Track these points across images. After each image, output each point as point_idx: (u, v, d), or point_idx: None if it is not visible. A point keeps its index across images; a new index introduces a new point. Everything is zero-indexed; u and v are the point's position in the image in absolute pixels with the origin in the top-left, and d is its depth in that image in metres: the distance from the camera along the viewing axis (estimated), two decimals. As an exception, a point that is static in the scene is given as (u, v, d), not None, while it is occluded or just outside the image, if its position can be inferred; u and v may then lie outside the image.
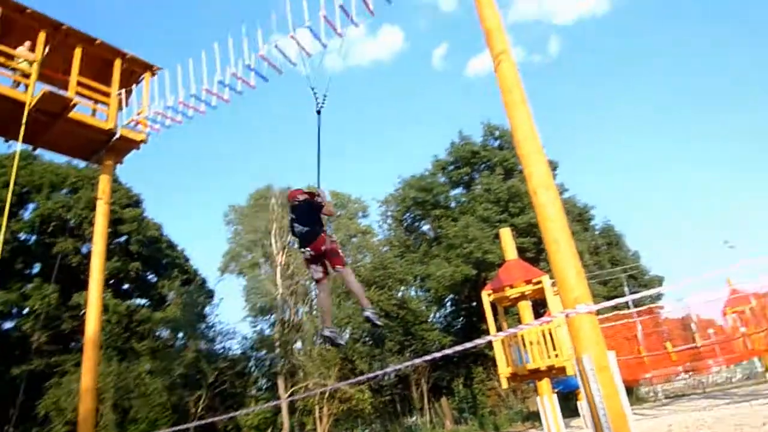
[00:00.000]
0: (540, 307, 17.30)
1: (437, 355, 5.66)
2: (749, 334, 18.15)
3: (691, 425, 13.57)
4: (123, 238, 25.41)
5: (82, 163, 21.57)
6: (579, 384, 5.25)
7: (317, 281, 5.74)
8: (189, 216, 69.13)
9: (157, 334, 24.88)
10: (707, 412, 16.45)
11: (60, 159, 24.48)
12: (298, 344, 27.81)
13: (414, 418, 28.77)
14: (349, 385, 23.71)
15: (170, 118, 9.30)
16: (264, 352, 28.06)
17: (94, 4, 73.32)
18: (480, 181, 32.75)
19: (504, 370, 12.59)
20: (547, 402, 13.51)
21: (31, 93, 9.22)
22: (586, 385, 4.47)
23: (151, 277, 27.65)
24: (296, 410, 25.69)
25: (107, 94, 10.36)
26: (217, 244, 70.64)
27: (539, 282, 12.96)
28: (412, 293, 32.95)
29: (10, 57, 9.38)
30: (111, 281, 23.52)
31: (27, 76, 9.39)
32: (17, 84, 9.39)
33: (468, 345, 5.36)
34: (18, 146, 9.55)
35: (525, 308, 14.50)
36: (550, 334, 12.01)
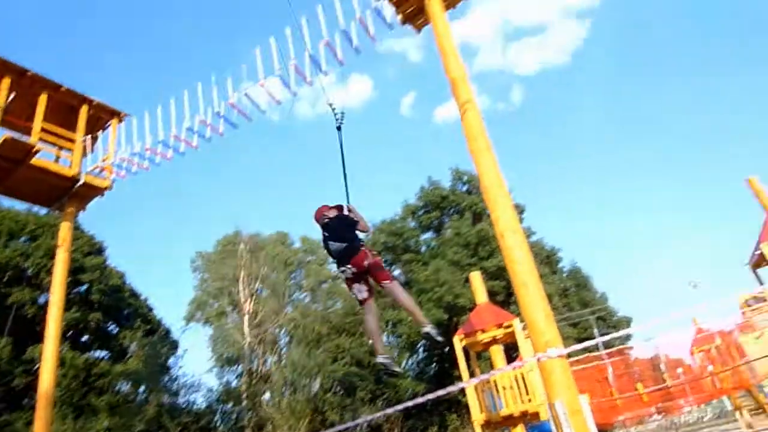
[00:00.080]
0: (512, 351, 17.25)
1: (410, 403, 5.52)
2: (716, 373, 18.39)
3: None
4: (84, 287, 24.51)
5: (43, 210, 20.97)
6: (553, 429, 5.19)
7: (362, 302, 5.21)
8: (154, 263, 67.32)
9: (117, 388, 23.72)
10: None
11: (21, 206, 23.83)
12: (267, 395, 26.90)
13: (388, 470, 27.80)
14: (319, 437, 22.90)
15: (137, 164, 9.20)
16: (230, 404, 27.05)
17: (65, 53, 73.13)
18: (450, 225, 33.15)
19: (477, 416, 12.38)
20: (523, 449, 13.27)
21: (-8, 140, 9.01)
22: (560, 430, 4.43)
23: (112, 327, 26.58)
24: (264, 466, 24.60)
25: (72, 140, 10.20)
26: (183, 292, 68.71)
27: (510, 326, 12.97)
28: (384, 339, 32.51)
29: (-29, 103, 9.20)
30: (69, 333, 22.53)
31: (-12, 122, 9.20)
32: (-23, 130, 9.18)
33: (441, 392, 5.26)
34: (-25, 193, 9.26)
35: (497, 353, 14.43)
36: (523, 379, 11.95)
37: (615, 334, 6.52)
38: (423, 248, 34.21)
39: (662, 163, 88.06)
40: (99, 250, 26.16)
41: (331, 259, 5.47)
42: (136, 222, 66.23)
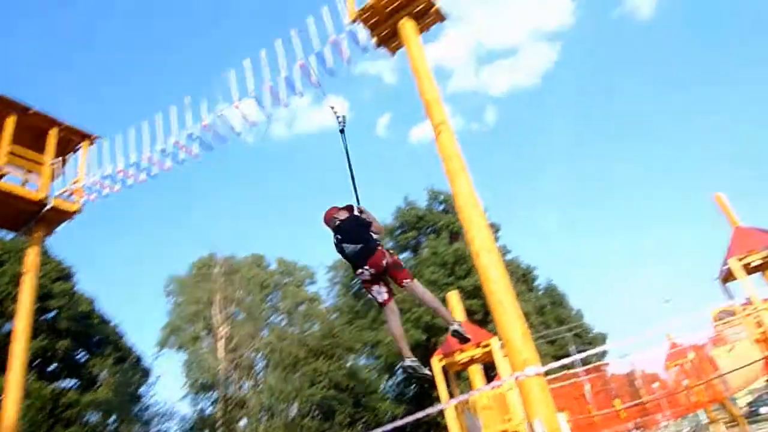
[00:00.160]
0: (491, 371, 17.20)
1: (389, 426, 5.45)
2: (691, 387, 18.63)
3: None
4: (51, 314, 23.69)
5: (9, 235, 20.35)
6: (532, 449, 5.15)
7: (382, 304, 4.93)
8: (126, 287, 65.69)
9: (85, 419, 22.87)
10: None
11: (-16, 231, 23.04)
12: (243, 422, 26.23)
13: (367, 497, 27.29)
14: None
15: (108, 187, 9.03)
16: (205, 432, 26.26)
17: (38, 76, 72.04)
18: (426, 245, 33.23)
19: (457, 438, 12.25)
20: (503, 469, 13.15)
21: (-44, 163, 8.76)
22: (539, 450, 4.42)
23: (81, 355, 25.68)
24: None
25: (40, 163, 9.97)
26: (156, 318, 67.03)
27: (488, 345, 12.95)
28: (362, 361, 32.18)
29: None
30: (35, 362, 21.67)
31: (-48, 145, 8.95)
32: (-60, 154, 8.92)
33: (420, 414, 5.22)
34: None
35: (476, 372, 14.37)
36: (502, 398, 11.90)
37: (591, 351, 6.57)
38: (400, 268, 34.19)
39: (633, 182, 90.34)
40: (68, 276, 25.41)
41: (347, 263, 5.22)
42: (107, 245, 64.82)
